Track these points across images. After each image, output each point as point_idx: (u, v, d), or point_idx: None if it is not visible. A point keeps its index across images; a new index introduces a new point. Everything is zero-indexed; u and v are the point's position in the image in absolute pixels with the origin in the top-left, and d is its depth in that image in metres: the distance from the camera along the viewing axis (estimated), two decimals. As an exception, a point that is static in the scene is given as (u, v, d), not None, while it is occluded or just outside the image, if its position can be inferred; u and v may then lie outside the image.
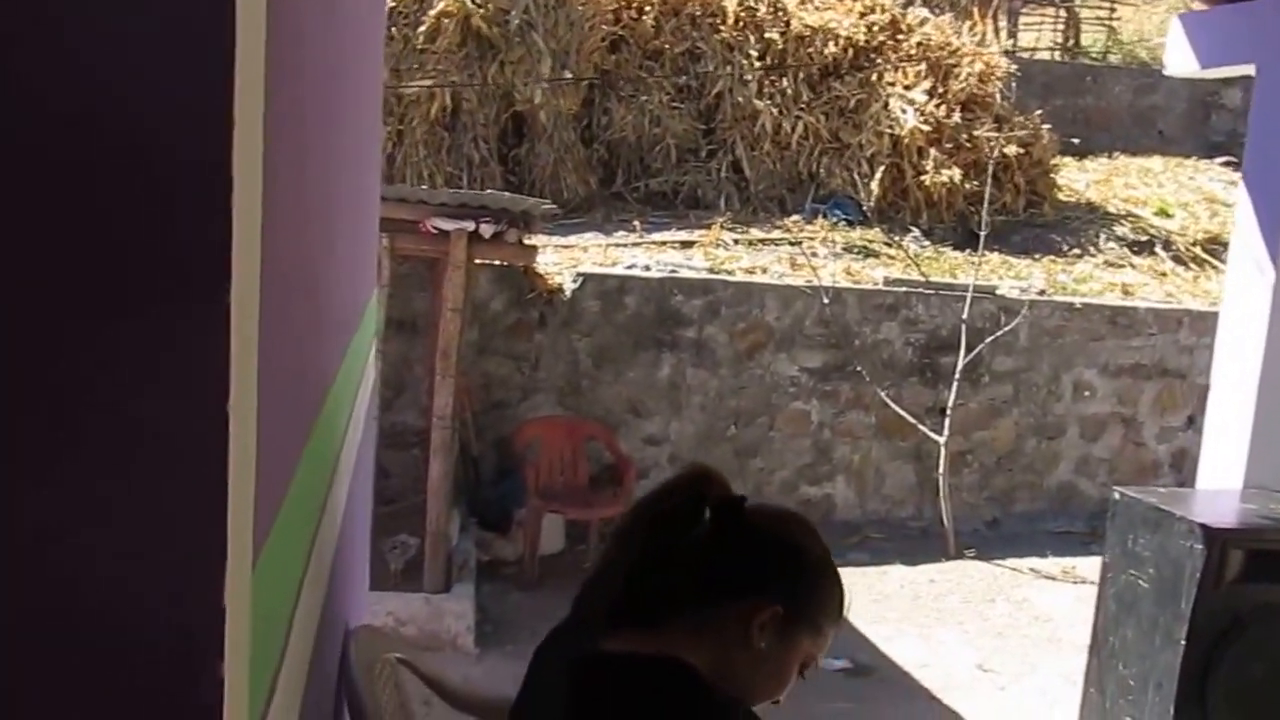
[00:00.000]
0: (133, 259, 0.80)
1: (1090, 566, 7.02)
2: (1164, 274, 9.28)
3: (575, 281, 7.02)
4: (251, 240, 0.91)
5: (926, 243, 9.05)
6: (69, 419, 0.81)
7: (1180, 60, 4.32)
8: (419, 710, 2.27)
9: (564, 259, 7.55)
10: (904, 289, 7.69)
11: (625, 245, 8.11)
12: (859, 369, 7.34)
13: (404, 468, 6.52)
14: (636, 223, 8.51)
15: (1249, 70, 4.02)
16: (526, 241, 5.25)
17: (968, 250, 8.69)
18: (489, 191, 6.63)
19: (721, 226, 8.51)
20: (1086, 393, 7.99)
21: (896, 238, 8.91)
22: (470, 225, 4.94)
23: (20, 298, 0.80)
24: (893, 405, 7.32)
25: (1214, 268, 9.46)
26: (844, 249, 8.48)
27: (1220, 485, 3.81)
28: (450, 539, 5.65)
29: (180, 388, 0.82)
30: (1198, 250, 9.75)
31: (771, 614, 1.45)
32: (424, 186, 8.11)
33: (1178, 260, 9.58)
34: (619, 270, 7.36)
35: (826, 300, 7.27)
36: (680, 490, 1.54)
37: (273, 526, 1.19)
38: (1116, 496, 3.60)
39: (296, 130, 1.29)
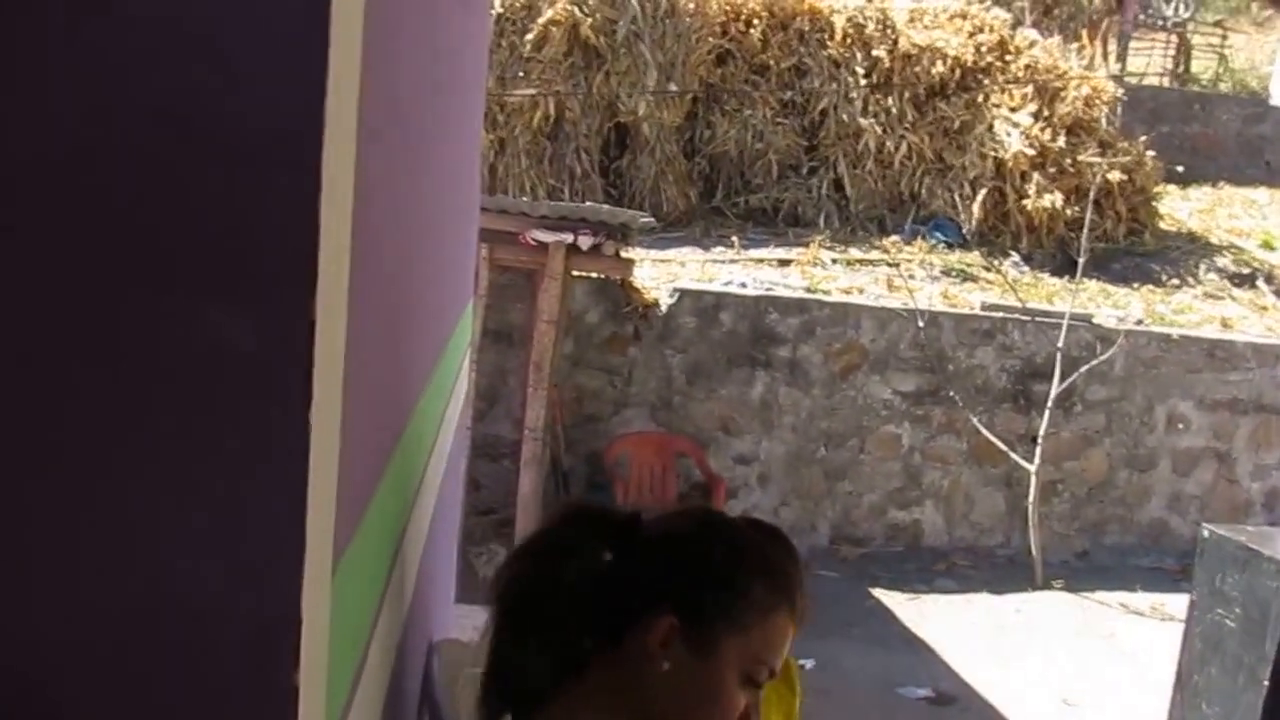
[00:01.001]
0: (220, 259, 0.80)
1: (1180, 604, 6.88)
2: (1265, 308, 9.08)
3: (672, 296, 7.13)
4: (340, 241, 0.90)
5: (1025, 268, 9.00)
6: (153, 416, 0.81)
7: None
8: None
9: (661, 273, 7.68)
10: (1000, 315, 7.66)
11: (723, 261, 8.21)
12: (952, 394, 7.34)
13: (495, 479, 6.66)
14: (735, 238, 8.60)
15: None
16: (624, 254, 5.36)
17: (1066, 277, 8.63)
18: (588, 204, 6.78)
19: (820, 245, 8.56)
20: (1180, 426, 7.87)
21: (996, 262, 8.87)
22: (569, 237, 5.08)
23: (104, 293, 0.80)
24: (984, 431, 7.30)
25: (1319, 303, 9.25)
26: (942, 272, 8.48)
27: (1314, 529, 3.79)
28: (540, 549, 5.77)
29: (263, 389, 0.81)
30: (1300, 285, 9.54)
31: (667, 626, 1.22)
32: (525, 197, 8.27)
33: None
34: (716, 287, 7.46)
35: (922, 324, 7.29)
36: (555, 532, 1.34)
37: (355, 533, 1.14)
38: (1206, 534, 3.60)
39: (391, 134, 1.26)
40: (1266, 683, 3.27)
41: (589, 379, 7.07)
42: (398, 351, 1.53)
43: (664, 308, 7.09)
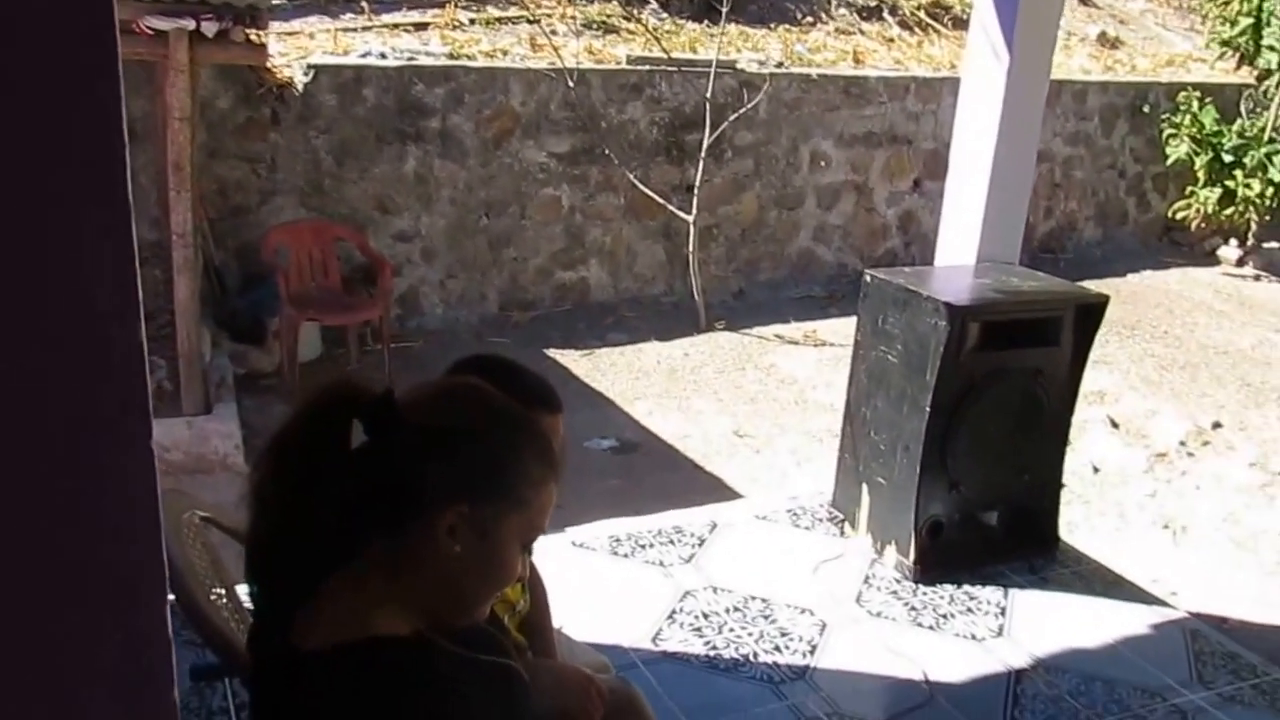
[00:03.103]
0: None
1: (829, 329, 7.48)
2: (891, 40, 9.57)
3: (307, 74, 6.59)
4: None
5: (665, 15, 8.96)
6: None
7: None
8: (235, 564, 2.19)
9: (291, 48, 7.05)
10: (647, 68, 7.64)
11: (355, 30, 7.64)
12: (607, 151, 7.33)
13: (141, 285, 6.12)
14: (364, 3, 8.01)
15: None
16: (256, 39, 4.84)
17: (705, 21, 8.68)
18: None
19: (456, 5, 8.12)
20: (822, 163, 8.29)
21: (635, 11, 8.77)
22: (190, 23, 4.51)
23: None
24: (641, 186, 7.40)
25: (937, 32, 9.83)
26: (584, 26, 8.29)
27: (957, 260, 4.08)
28: (203, 357, 5.42)
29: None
30: (921, 15, 10.07)
31: (456, 515, 1.25)
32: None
33: (903, 25, 9.88)
34: (353, 59, 6.94)
35: (571, 83, 7.15)
36: (312, 417, 1.29)
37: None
38: (868, 279, 3.80)
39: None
40: (928, 408, 3.57)
41: (229, 169, 6.51)
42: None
43: (300, 87, 6.55)
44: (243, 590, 2.26)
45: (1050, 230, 9.67)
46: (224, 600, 1.97)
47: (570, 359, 6.81)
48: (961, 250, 4.03)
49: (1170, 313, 8.38)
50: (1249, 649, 3.71)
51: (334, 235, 6.57)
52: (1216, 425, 6.27)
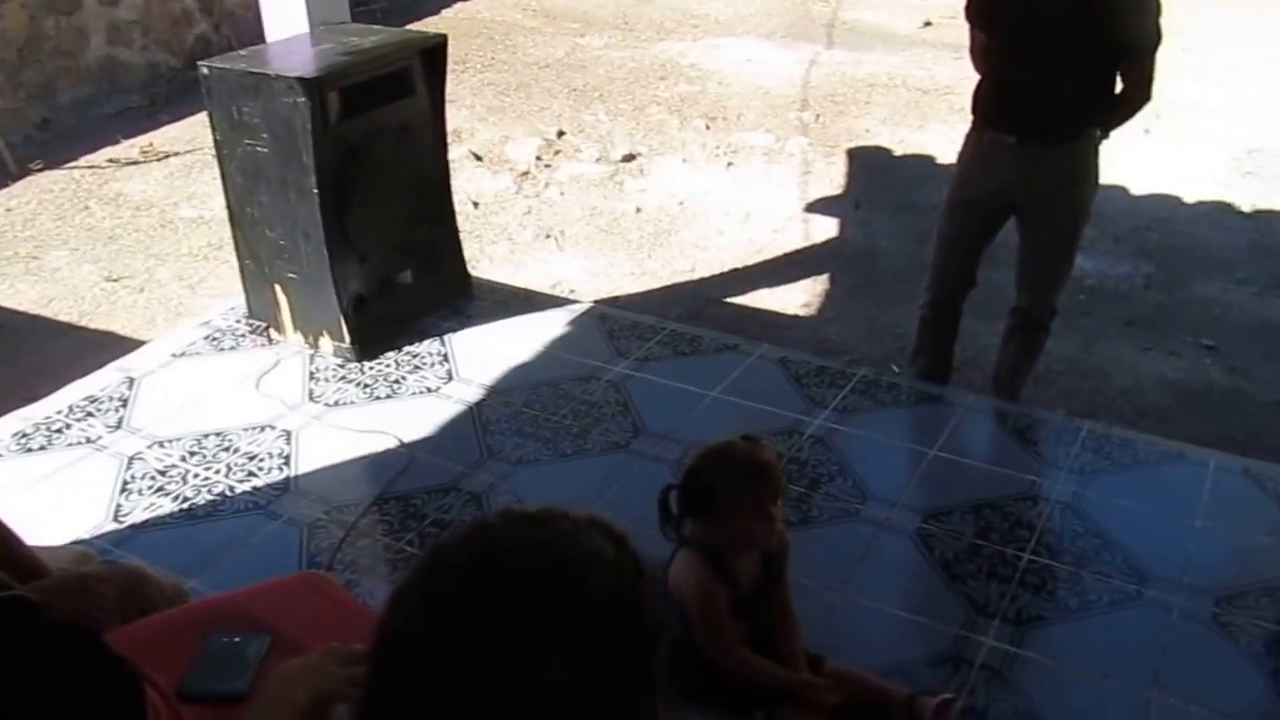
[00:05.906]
0: None
1: (166, 138, 6.92)
2: None
3: None
4: None
5: None
6: None
7: None
8: None
9: None
10: None
11: None
12: None
13: None
14: None
15: None
16: None
17: None
18: None
19: None
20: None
21: None
22: None
23: None
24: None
25: None
26: None
27: (288, 31, 3.88)
28: None
29: None
30: None
31: None
32: None
33: None
34: None
35: None
36: None
37: None
38: (205, 73, 3.50)
39: None
40: (315, 190, 3.46)
41: None
42: None
43: None
44: None
45: (352, -18, 9.51)
46: None
47: None
48: (290, 19, 3.85)
49: (491, 40, 8.73)
50: (642, 315, 4.22)
51: None
52: (561, 134, 6.77)
